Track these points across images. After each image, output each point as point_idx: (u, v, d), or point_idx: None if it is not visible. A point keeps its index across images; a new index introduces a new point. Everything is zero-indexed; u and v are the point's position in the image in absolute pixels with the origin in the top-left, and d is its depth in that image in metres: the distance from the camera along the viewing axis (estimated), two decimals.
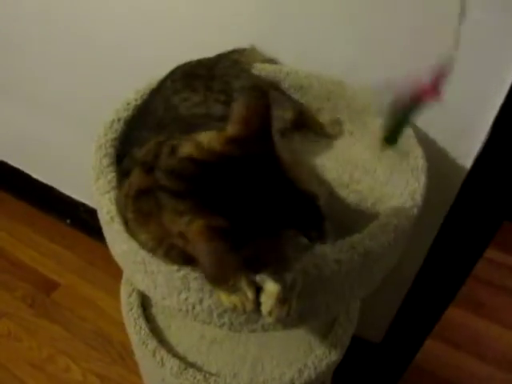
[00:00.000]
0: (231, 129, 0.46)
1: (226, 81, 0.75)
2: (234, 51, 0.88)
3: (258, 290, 0.58)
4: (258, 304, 0.58)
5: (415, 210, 0.63)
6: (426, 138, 0.83)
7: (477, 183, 0.86)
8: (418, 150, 0.71)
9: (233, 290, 0.57)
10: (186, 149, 0.46)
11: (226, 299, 0.58)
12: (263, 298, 0.57)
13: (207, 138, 0.46)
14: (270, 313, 0.57)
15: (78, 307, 1.48)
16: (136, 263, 0.60)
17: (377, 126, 0.81)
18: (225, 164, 0.44)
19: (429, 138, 0.84)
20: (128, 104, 0.79)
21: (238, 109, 0.46)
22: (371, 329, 1.24)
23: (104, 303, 1.48)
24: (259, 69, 0.87)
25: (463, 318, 1.50)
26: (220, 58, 0.84)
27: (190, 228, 0.43)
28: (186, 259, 0.53)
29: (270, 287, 0.56)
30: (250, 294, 0.57)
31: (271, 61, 0.92)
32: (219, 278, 0.52)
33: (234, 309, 0.58)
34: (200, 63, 0.78)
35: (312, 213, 0.46)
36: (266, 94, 0.48)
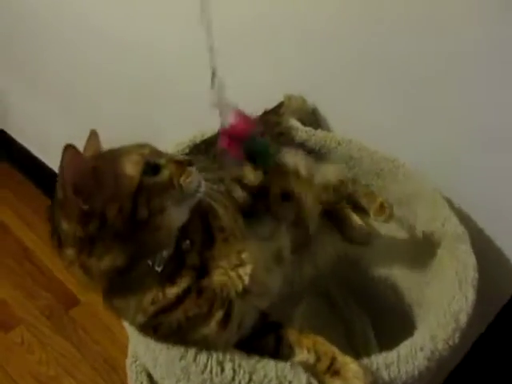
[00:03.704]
0: None
1: None
2: (267, 112, 0.85)
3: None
4: None
5: (457, 335, 0.54)
6: (477, 242, 0.74)
7: None
8: (471, 259, 0.63)
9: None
10: None
11: None
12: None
13: None
14: None
15: (92, 328, 1.46)
16: (140, 336, 0.56)
17: (428, 216, 0.74)
18: None
19: (481, 241, 0.76)
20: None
21: None
22: None
23: (117, 329, 1.45)
24: (309, 134, 0.82)
25: None
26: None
27: None
28: None
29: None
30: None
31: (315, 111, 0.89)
32: None
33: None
34: None
35: None
36: None
